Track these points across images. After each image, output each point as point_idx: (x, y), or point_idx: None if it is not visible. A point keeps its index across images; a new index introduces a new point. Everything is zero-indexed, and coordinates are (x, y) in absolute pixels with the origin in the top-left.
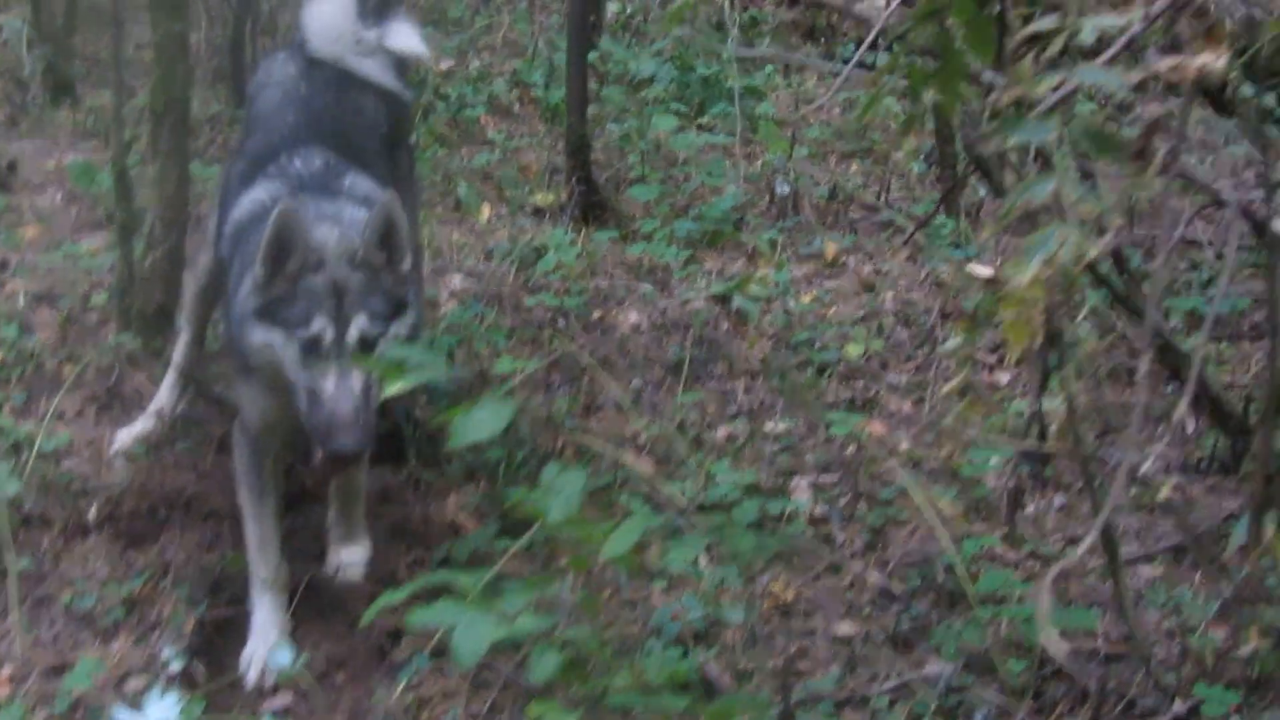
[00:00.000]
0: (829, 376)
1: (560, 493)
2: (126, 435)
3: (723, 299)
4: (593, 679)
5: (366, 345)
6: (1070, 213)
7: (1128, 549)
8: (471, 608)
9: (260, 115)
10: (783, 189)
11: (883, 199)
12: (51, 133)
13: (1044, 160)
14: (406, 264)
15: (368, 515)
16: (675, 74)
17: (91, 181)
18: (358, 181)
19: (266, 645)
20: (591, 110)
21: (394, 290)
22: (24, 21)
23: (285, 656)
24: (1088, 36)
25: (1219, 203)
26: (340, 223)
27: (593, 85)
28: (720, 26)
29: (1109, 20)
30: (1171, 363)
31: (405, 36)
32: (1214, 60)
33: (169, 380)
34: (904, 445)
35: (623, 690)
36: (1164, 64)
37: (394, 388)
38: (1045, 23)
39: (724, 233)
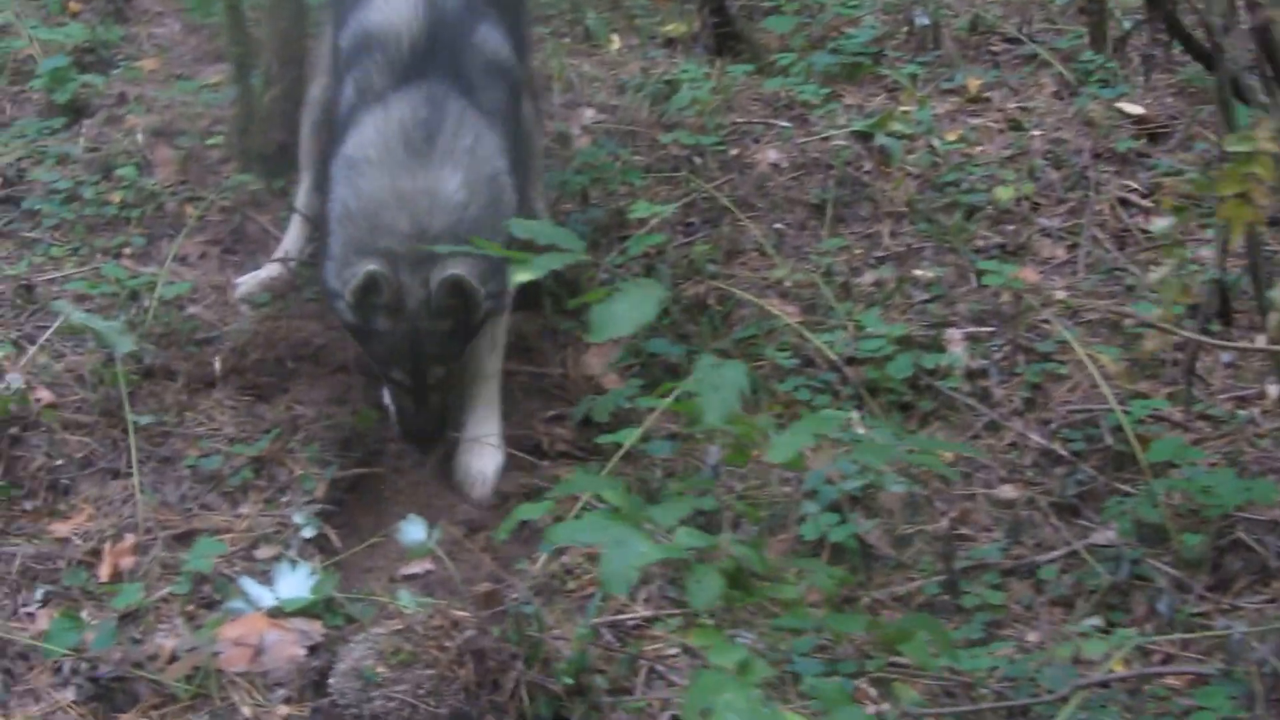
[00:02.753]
0: (977, 220)
1: (718, 389)
2: (251, 281)
3: (865, 136)
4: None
5: (442, 382)
6: None
7: None
8: (620, 523)
9: None
10: (922, 20)
11: (1024, 32)
12: None
13: None
14: (486, 305)
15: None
16: None
17: (209, 11)
18: (486, 37)
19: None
20: None
21: (471, 321)
22: None
23: (418, 531)
24: None
25: None
26: (424, 269)
27: None
28: None
29: None
30: None
31: None
32: None
33: (293, 224)
34: (1059, 294)
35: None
36: None
37: (524, 274)
38: None
39: (862, 66)
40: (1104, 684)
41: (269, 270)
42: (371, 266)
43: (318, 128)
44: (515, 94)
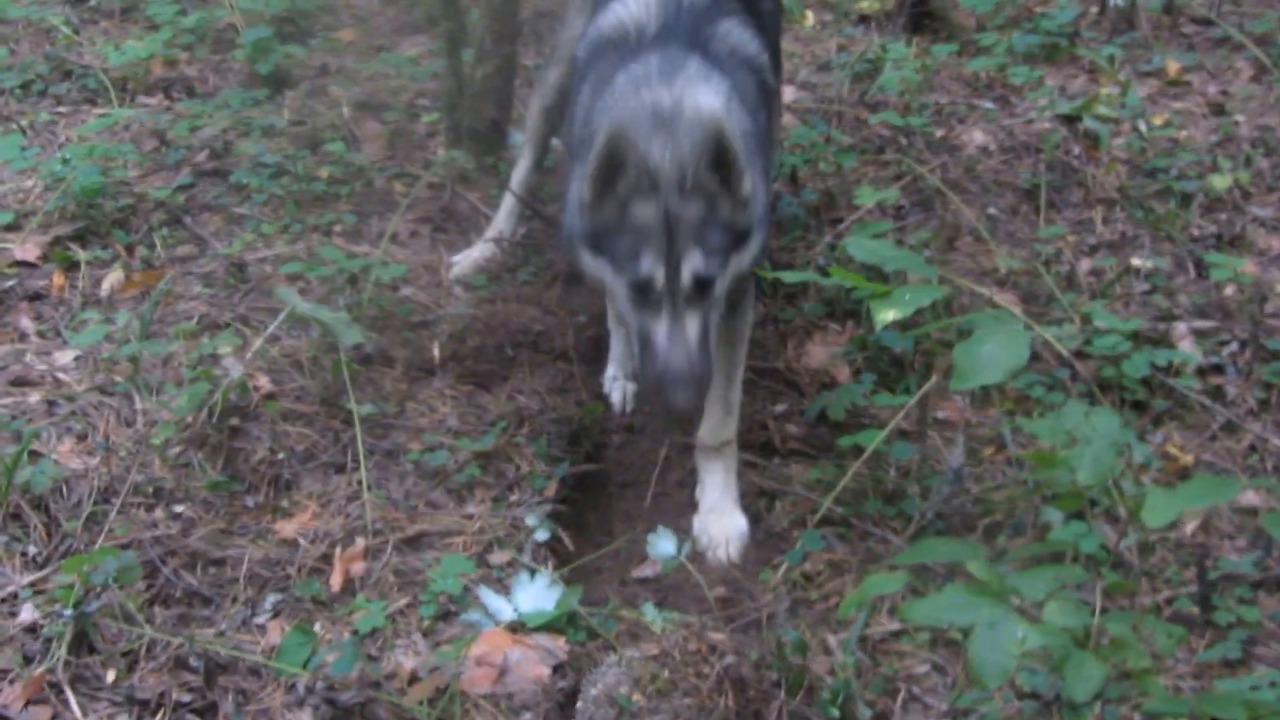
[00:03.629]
0: (1191, 208)
1: (1093, 442)
2: (465, 260)
3: (1070, 119)
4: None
5: (702, 287)
6: None
7: None
8: (987, 600)
9: None
10: (1117, 0)
11: (1216, 13)
12: None
13: None
14: (747, 186)
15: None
16: None
17: None
18: (730, 30)
19: (624, 370)
20: None
21: (733, 219)
22: None
23: (669, 545)
24: None
25: None
26: (677, 135)
27: None
28: None
29: None
30: None
31: None
32: None
33: (507, 204)
34: None
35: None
36: None
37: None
38: None
39: (1060, 47)
40: None
41: (482, 250)
42: (614, 130)
43: (549, 111)
44: (763, 89)
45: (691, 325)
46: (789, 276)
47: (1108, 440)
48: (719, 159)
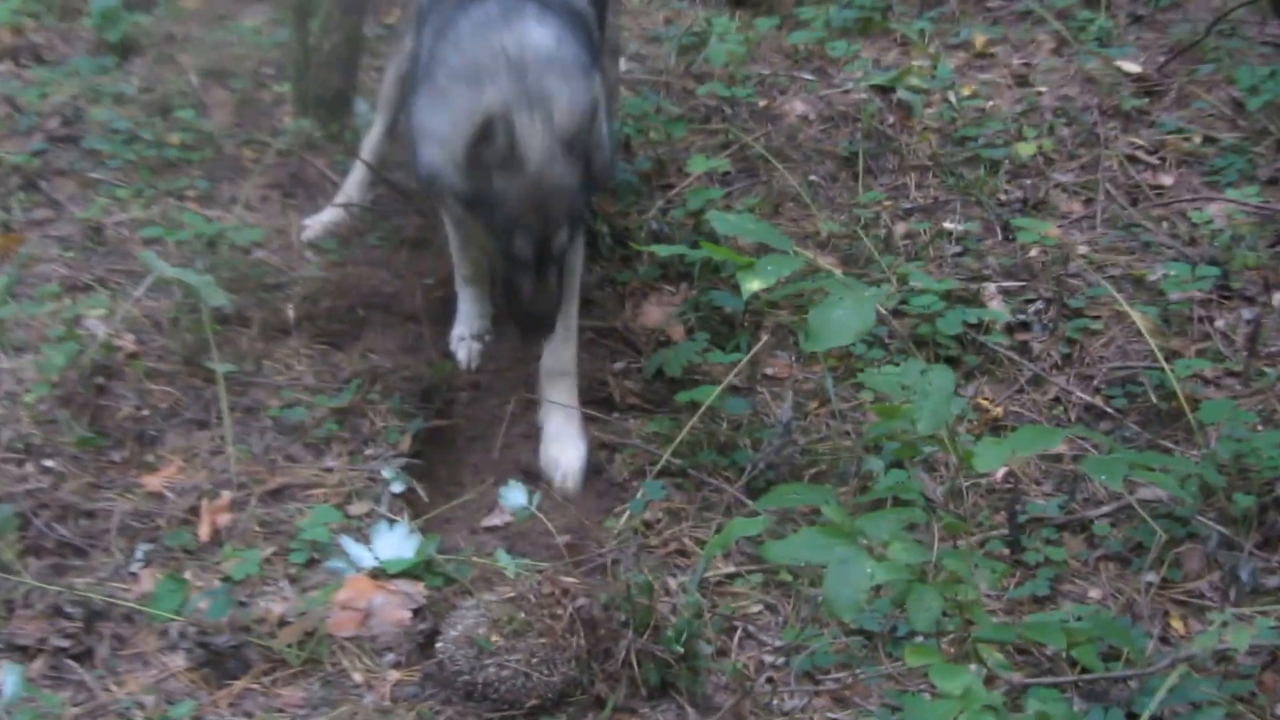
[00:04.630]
0: (999, 175)
1: (930, 396)
2: (315, 224)
3: (885, 90)
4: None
5: (563, 251)
6: None
7: None
8: (841, 540)
9: None
10: None
11: None
12: None
13: None
14: (604, 154)
15: None
16: None
17: None
18: (545, 15)
19: (470, 329)
20: None
21: (589, 183)
22: None
23: (519, 496)
24: None
25: None
26: (547, 108)
27: None
28: None
29: None
30: None
31: None
32: None
33: (357, 170)
34: (1082, 249)
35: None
36: None
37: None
38: None
39: (875, 20)
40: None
41: (333, 214)
42: (485, 113)
43: (404, 79)
44: (591, 42)
45: (552, 277)
46: (661, 250)
47: (943, 394)
48: (590, 130)
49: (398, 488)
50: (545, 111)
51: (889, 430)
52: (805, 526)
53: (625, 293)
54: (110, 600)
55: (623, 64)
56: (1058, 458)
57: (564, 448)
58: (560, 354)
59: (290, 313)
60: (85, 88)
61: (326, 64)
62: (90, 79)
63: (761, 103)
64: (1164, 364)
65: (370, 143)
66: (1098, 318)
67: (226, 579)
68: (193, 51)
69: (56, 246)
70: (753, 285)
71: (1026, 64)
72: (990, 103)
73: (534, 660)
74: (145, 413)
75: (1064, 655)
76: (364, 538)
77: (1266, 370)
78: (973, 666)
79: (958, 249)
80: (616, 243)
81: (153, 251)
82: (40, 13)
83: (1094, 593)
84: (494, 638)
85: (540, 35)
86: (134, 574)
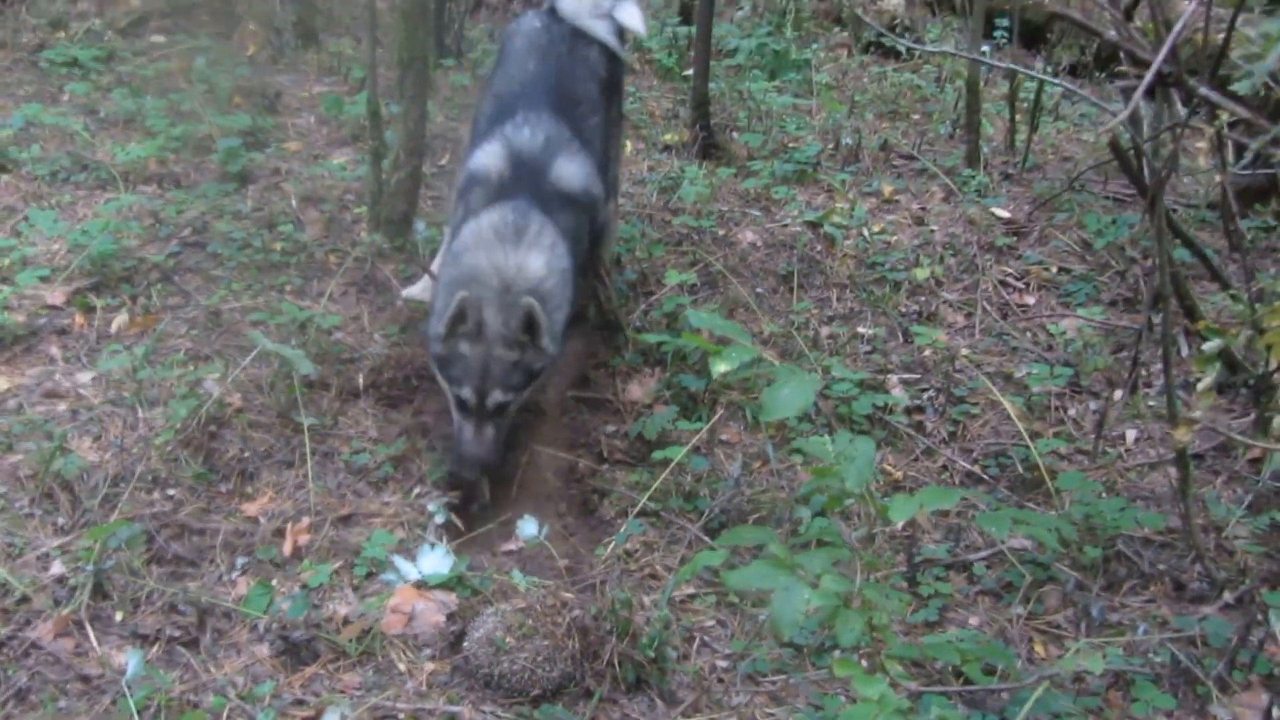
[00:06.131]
0: (901, 292)
1: (855, 460)
2: (412, 290)
3: (815, 225)
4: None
5: (500, 409)
6: None
7: (1154, 452)
8: (784, 572)
9: (509, 56)
10: (846, 140)
11: (918, 151)
12: (302, 70)
13: None
14: (547, 343)
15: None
16: (754, 46)
17: (338, 109)
18: (561, 170)
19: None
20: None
21: (532, 364)
22: None
23: (531, 528)
24: None
25: None
26: (506, 305)
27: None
28: (784, 14)
29: None
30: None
31: (630, 14)
32: None
33: (426, 279)
34: (965, 351)
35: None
36: None
37: (721, 365)
38: None
39: (808, 172)
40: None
41: (422, 285)
42: (464, 294)
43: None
44: (593, 226)
45: (487, 431)
46: (648, 338)
47: (866, 459)
48: (530, 326)
49: (440, 519)
50: (512, 314)
51: (820, 485)
52: (755, 560)
53: (615, 373)
54: (213, 600)
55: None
56: (945, 513)
57: None
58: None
59: (360, 380)
60: (211, 206)
61: (395, 193)
62: (215, 200)
63: (721, 231)
64: (1029, 442)
65: (440, 256)
66: (977, 404)
67: (304, 586)
68: (293, 181)
69: (185, 326)
70: (720, 367)
71: (923, 208)
72: (894, 237)
73: (539, 658)
74: (246, 454)
75: (951, 670)
76: (411, 556)
77: (1109, 450)
78: (881, 676)
79: (869, 348)
80: (610, 333)
81: (258, 331)
82: (179, 148)
83: (974, 620)
84: (508, 639)
85: (532, 263)
86: (233, 580)
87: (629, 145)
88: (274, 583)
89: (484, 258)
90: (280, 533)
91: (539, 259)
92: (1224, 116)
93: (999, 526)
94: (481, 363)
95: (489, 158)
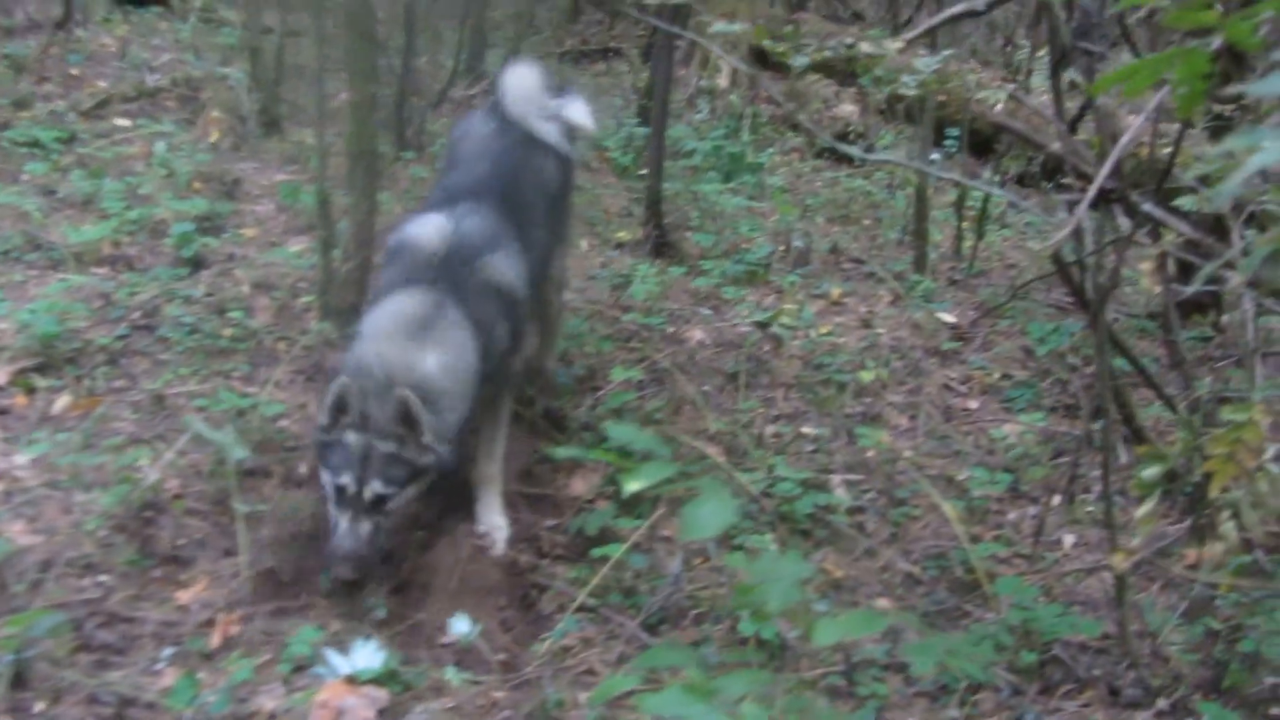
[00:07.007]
0: (846, 393)
1: (779, 580)
2: None
3: (763, 325)
4: None
5: (379, 501)
6: None
7: (1091, 557)
8: (699, 699)
9: (460, 159)
10: (797, 243)
11: (867, 256)
12: (265, 157)
13: None
14: (428, 436)
15: (514, 492)
16: (709, 149)
17: (296, 197)
18: (493, 265)
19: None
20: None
21: (415, 458)
22: (244, 73)
23: (464, 626)
24: None
25: None
26: (386, 398)
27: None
28: (740, 118)
29: None
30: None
31: (578, 111)
32: None
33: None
34: (907, 453)
35: None
36: None
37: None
38: None
39: (759, 273)
40: None
41: None
42: (345, 381)
43: None
44: (514, 310)
45: (364, 526)
46: (561, 453)
47: (794, 578)
48: (406, 418)
49: (380, 614)
50: (395, 408)
51: (746, 603)
52: (673, 684)
53: (556, 468)
54: (137, 692)
55: (566, 296)
56: (883, 613)
57: (492, 521)
58: (485, 468)
59: (303, 469)
60: (163, 290)
61: (344, 283)
62: (167, 284)
63: (670, 329)
64: (968, 545)
65: None
66: (918, 506)
67: (230, 680)
68: (247, 267)
69: (128, 409)
70: (632, 486)
71: (870, 311)
72: (841, 339)
73: None
74: (182, 541)
75: None
76: (345, 650)
77: (1046, 555)
78: None
79: (813, 448)
80: (554, 428)
81: (197, 416)
82: (134, 230)
83: None
84: None
85: (425, 361)
86: (159, 671)
87: (583, 242)
88: (200, 675)
89: (373, 349)
90: (211, 622)
91: (434, 358)
92: (1169, 235)
93: (924, 659)
94: (363, 452)
95: (429, 229)
